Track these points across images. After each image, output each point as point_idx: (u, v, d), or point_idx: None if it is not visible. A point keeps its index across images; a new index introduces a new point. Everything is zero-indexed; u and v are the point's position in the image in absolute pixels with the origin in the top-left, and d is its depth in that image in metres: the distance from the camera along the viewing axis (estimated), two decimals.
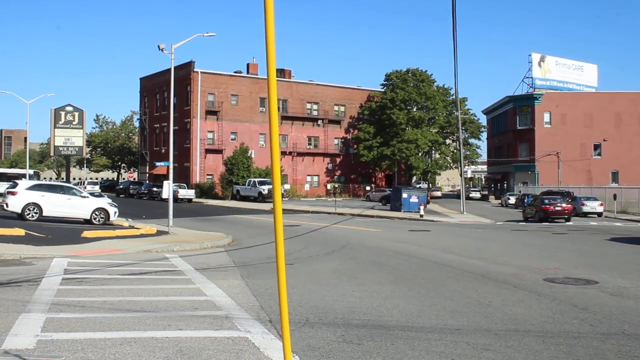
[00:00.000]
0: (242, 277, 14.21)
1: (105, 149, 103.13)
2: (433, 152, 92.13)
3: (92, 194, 33.04)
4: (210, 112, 75.84)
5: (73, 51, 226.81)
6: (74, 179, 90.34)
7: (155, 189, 65.72)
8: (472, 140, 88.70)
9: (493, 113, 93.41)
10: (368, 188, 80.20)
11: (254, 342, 8.07)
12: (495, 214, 50.69)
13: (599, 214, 46.82)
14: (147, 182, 77.39)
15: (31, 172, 60.51)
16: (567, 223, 38.17)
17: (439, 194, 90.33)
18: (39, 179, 61.50)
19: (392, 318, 9.88)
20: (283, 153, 79.81)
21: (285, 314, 5.38)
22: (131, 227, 28.13)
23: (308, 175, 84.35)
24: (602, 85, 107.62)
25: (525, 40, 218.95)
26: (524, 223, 38.10)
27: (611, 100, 79.95)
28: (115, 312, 9.72)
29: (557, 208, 38.91)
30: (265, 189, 61.96)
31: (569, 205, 39.90)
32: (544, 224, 37.61)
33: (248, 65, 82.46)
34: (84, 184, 72.21)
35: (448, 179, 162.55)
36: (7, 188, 29.87)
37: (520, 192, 71.58)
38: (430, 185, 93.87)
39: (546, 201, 39.44)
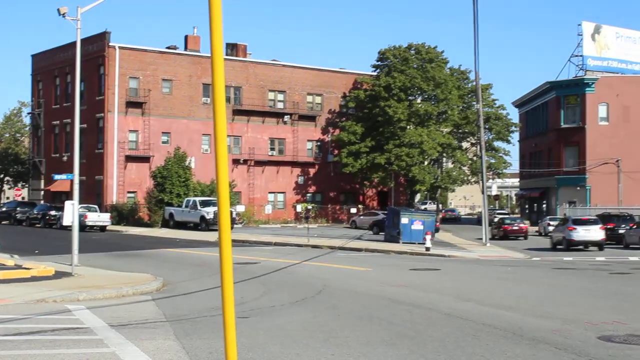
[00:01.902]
0: (176, 337, 14.16)
1: None
2: (444, 160, 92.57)
3: None
4: (133, 104, 75.54)
5: None
6: None
7: (53, 212, 65.06)
8: (498, 144, 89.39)
9: (528, 105, 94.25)
10: (354, 210, 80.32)
11: None
12: (530, 245, 50.98)
13: None
14: (42, 202, 76.49)
15: None
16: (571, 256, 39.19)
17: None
18: None
19: None
20: (235, 161, 79.73)
21: None
22: (18, 266, 27.82)
23: (270, 192, 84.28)
24: None
25: (571, 9, 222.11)
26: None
27: None
28: None
29: (514, 227, 60.49)
30: (210, 212, 61.73)
31: (525, 225, 62.00)
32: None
33: (186, 38, 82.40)
34: None
35: (465, 198, 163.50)
36: None
37: (565, 215, 71.99)
38: (441, 205, 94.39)
39: (507, 221, 62.77)
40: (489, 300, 20.32)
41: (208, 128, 76.19)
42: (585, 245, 46.23)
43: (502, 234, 59.61)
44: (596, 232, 45.32)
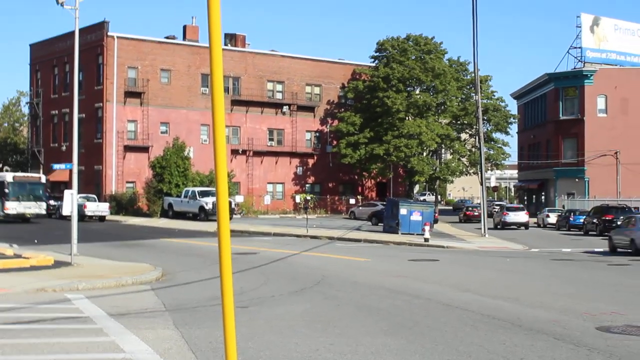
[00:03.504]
0: (175, 326, 14.22)
1: None
2: (443, 151, 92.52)
3: None
4: (132, 94, 75.46)
5: None
6: None
7: (52, 202, 65.06)
8: (497, 135, 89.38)
9: (526, 97, 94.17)
10: (353, 201, 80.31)
11: None
12: (529, 237, 51.11)
13: None
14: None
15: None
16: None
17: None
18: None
19: None
20: (234, 151, 79.67)
21: None
22: (17, 256, 27.82)
23: (269, 182, 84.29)
24: None
25: (570, 0, 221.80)
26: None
27: None
28: None
29: (475, 213, 71.36)
30: (209, 202, 61.74)
31: None
32: (587, 251, 39.38)
33: (185, 28, 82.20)
34: None
35: (464, 189, 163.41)
36: None
37: (563, 207, 72.11)
38: (440, 196, 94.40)
39: (469, 209, 78.36)
40: (488, 291, 20.38)
41: (207, 118, 76.17)
42: (517, 225, 61.16)
43: (465, 218, 74.55)
44: (522, 216, 61.86)
